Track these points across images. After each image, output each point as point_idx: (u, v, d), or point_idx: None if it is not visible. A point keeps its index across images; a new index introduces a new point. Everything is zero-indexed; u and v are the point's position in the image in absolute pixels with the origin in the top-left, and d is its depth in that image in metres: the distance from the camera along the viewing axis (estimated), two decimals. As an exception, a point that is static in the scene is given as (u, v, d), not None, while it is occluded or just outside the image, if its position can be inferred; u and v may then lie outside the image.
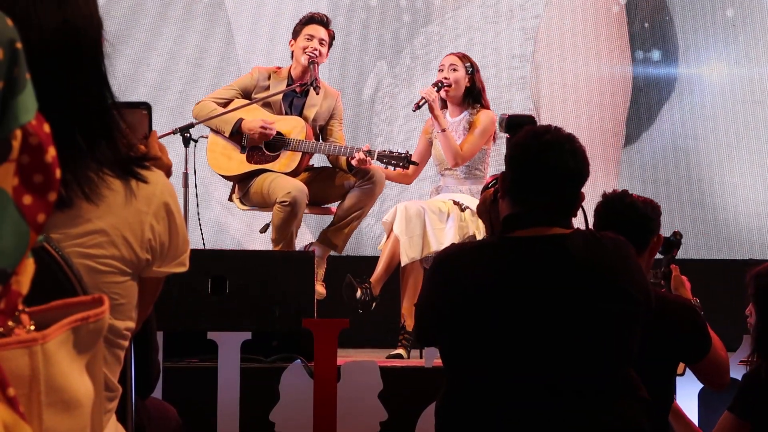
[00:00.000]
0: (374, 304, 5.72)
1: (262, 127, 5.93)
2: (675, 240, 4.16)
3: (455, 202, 5.84)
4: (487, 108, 6.06)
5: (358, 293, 5.69)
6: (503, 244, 2.87)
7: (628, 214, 3.65)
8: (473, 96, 6.04)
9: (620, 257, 2.84)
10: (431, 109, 5.93)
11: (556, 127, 2.91)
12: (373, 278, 5.75)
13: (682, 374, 4.37)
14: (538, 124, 3.09)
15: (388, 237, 5.83)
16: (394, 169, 5.95)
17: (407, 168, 5.95)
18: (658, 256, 3.90)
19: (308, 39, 6.03)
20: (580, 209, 2.99)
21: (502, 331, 2.76)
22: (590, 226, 3.36)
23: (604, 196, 3.73)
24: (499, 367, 2.76)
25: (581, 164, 2.88)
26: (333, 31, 6.13)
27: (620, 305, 2.79)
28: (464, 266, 2.85)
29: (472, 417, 2.80)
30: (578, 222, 3.03)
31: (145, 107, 2.35)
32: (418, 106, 5.95)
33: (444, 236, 5.71)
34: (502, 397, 2.76)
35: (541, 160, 2.84)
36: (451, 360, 2.86)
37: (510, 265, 2.81)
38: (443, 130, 5.91)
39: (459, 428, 2.83)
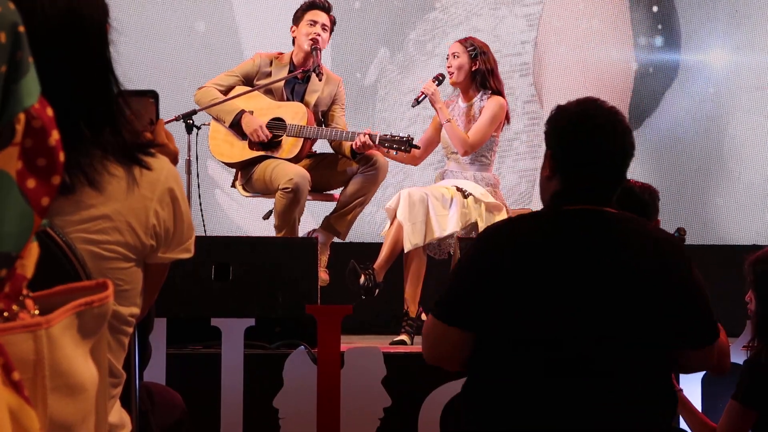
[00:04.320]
0: (377, 291, 5.72)
1: (256, 131, 5.93)
2: (679, 236, 4.17)
3: (458, 189, 5.83)
4: (499, 90, 6.02)
5: (362, 279, 5.69)
6: (553, 218, 2.85)
7: (626, 199, 3.65)
8: (480, 79, 5.99)
9: (675, 250, 2.82)
10: (432, 103, 5.92)
11: (598, 102, 2.88)
12: (376, 264, 5.75)
13: None
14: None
15: (391, 223, 5.82)
16: (396, 153, 5.94)
17: (409, 152, 5.92)
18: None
19: (311, 24, 6.02)
20: None
21: (546, 302, 2.73)
22: None
23: (602, 181, 3.73)
24: (535, 347, 2.72)
25: (630, 141, 2.91)
26: (334, 17, 6.13)
27: (666, 297, 2.76)
28: (512, 237, 2.82)
29: (506, 393, 2.76)
30: None
31: (152, 95, 2.36)
32: (417, 101, 5.96)
33: (447, 222, 5.70)
34: (536, 370, 2.71)
35: (595, 145, 2.83)
36: (486, 336, 2.79)
37: (562, 238, 2.79)
38: (447, 121, 5.90)
39: (491, 407, 2.79)
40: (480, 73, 5.98)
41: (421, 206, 5.71)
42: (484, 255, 2.83)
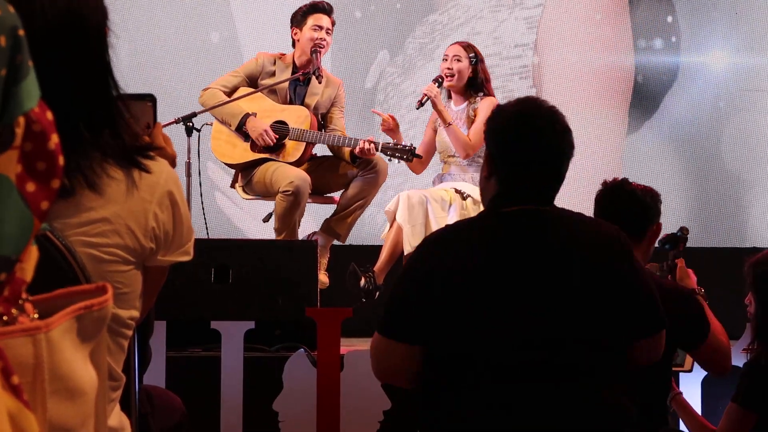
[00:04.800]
0: (377, 293, 5.73)
1: (261, 135, 5.93)
2: (681, 235, 4.17)
3: (457, 191, 5.84)
4: (492, 95, 6.07)
5: (362, 282, 5.70)
6: (490, 220, 2.81)
7: (628, 202, 3.66)
8: (475, 86, 6.05)
9: (614, 241, 2.78)
10: (434, 105, 5.94)
11: (535, 102, 2.83)
12: (376, 267, 5.76)
13: (690, 370, 4.37)
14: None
15: (391, 226, 5.83)
16: (398, 161, 5.95)
17: (411, 161, 5.94)
18: (656, 244, 3.91)
19: (316, 29, 6.02)
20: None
21: (491, 307, 2.68)
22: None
23: (605, 184, 3.74)
24: (480, 351, 2.66)
25: (569, 140, 2.80)
26: (334, 19, 6.13)
27: (611, 290, 2.72)
28: (451, 245, 2.77)
29: (460, 399, 2.72)
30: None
31: (150, 99, 2.35)
32: (421, 104, 5.97)
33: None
34: (488, 378, 2.65)
35: (531, 147, 2.77)
36: (432, 345, 2.73)
37: (498, 240, 2.75)
38: (449, 125, 5.92)
39: (447, 421, 2.73)
40: (477, 81, 6.03)
41: (421, 208, 5.73)
42: (422, 265, 2.77)
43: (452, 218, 5.74)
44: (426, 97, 5.93)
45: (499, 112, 2.86)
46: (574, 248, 2.75)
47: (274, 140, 5.94)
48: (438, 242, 2.83)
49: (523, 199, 2.78)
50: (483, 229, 2.81)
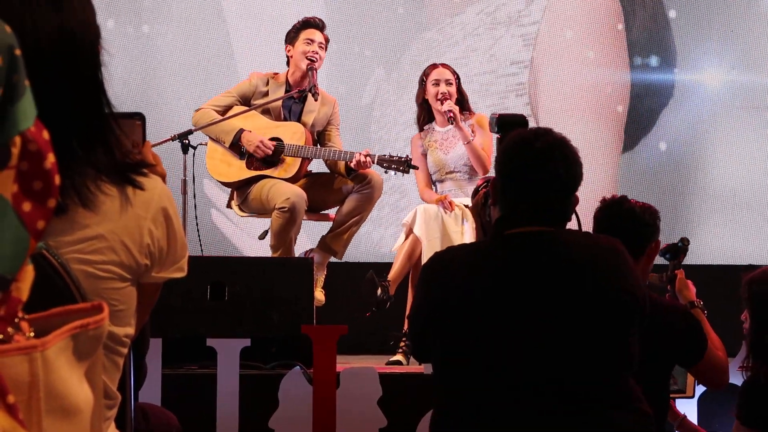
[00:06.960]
0: (389, 304, 5.74)
1: (258, 147, 5.94)
2: (682, 246, 4.18)
3: (466, 206, 5.88)
4: (473, 113, 6.18)
5: (379, 291, 5.71)
6: (494, 243, 2.86)
7: (627, 219, 3.66)
8: (462, 104, 6.14)
9: (615, 258, 2.81)
10: (456, 122, 5.99)
11: (546, 130, 2.87)
12: (390, 276, 5.78)
13: (692, 396, 4.37)
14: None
15: (406, 238, 5.86)
16: (395, 174, 5.96)
17: (408, 172, 5.96)
18: (660, 260, 3.90)
19: (308, 43, 6.04)
20: (574, 213, 2.96)
21: (495, 334, 2.71)
22: (582, 229, 3.35)
23: (603, 201, 3.75)
24: (491, 372, 2.71)
25: (573, 170, 2.84)
26: (327, 35, 6.15)
27: (614, 307, 2.74)
28: (455, 269, 2.82)
29: (466, 427, 2.74)
30: (571, 226, 3.01)
31: (139, 118, 2.35)
32: (451, 118, 6.01)
33: (463, 239, 5.77)
34: (494, 405, 2.70)
35: (532, 171, 2.81)
36: (444, 367, 2.82)
37: (502, 262, 2.79)
38: (469, 142, 5.99)
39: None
40: (463, 99, 6.15)
41: (437, 222, 5.80)
42: (427, 290, 2.86)
43: (467, 232, 5.81)
44: (453, 113, 6.00)
45: (508, 139, 2.92)
46: (570, 265, 2.77)
47: (272, 149, 5.95)
48: (438, 266, 2.88)
49: (525, 222, 2.81)
50: (482, 251, 2.86)
